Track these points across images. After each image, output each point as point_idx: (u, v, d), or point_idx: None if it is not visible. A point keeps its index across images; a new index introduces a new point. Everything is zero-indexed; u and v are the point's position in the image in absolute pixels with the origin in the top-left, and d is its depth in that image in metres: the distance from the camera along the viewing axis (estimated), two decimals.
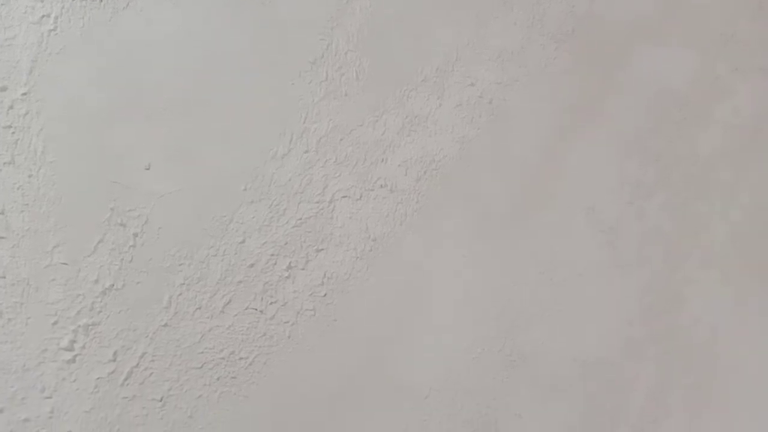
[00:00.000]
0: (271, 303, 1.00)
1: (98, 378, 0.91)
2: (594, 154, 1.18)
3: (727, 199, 1.28)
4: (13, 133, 0.90)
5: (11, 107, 0.90)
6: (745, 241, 1.29)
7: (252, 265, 0.99)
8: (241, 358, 0.97)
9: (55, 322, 0.89)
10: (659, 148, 1.24)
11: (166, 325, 0.94)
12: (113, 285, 0.92)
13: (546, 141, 1.15)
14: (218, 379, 0.96)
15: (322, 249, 1.03)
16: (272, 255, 1.00)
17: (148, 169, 0.95)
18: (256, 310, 0.99)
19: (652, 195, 1.23)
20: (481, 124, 1.12)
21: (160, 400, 0.93)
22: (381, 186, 1.06)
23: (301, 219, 1.02)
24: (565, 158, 1.17)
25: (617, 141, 1.20)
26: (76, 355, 0.90)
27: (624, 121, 1.21)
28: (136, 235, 0.94)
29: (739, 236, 1.28)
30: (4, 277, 0.88)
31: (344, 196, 1.04)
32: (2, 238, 0.88)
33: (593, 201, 1.18)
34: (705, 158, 1.28)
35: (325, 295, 1.03)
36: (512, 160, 1.13)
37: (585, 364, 1.15)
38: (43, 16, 0.92)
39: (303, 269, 1.02)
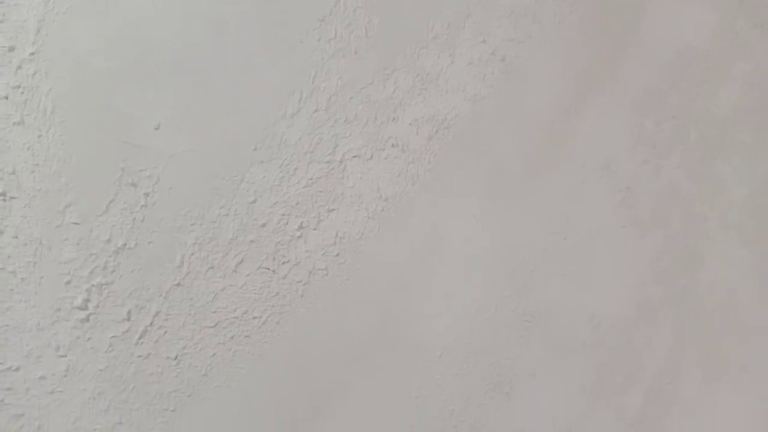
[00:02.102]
0: (284, 263, 0.98)
1: (113, 337, 0.90)
2: (609, 112, 1.14)
3: (746, 159, 1.24)
4: (22, 93, 0.88)
5: (19, 67, 0.88)
6: (764, 203, 1.24)
7: (264, 225, 0.97)
8: (254, 318, 0.96)
9: (69, 282, 0.88)
10: (676, 107, 1.19)
11: (179, 284, 0.93)
12: (126, 244, 0.91)
13: (560, 98, 1.11)
14: (232, 338, 0.95)
15: (334, 209, 1.00)
16: (283, 215, 0.98)
17: (157, 128, 0.92)
18: (268, 269, 0.97)
19: (668, 154, 1.18)
20: (494, 82, 1.08)
21: (175, 359, 0.92)
22: (392, 145, 1.03)
23: (311, 179, 0.99)
24: (580, 116, 1.13)
25: (633, 99, 1.16)
26: (90, 314, 0.89)
27: (640, 78, 1.17)
28: (147, 194, 0.92)
29: (758, 197, 1.24)
30: (17, 237, 0.86)
31: (355, 156, 1.01)
32: (14, 197, 0.87)
33: (608, 160, 1.14)
34: (723, 117, 1.23)
35: (337, 254, 1.00)
36: (525, 119, 1.10)
37: (599, 325, 1.12)
38: None
39: (315, 229, 0.99)
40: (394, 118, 1.03)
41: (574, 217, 1.12)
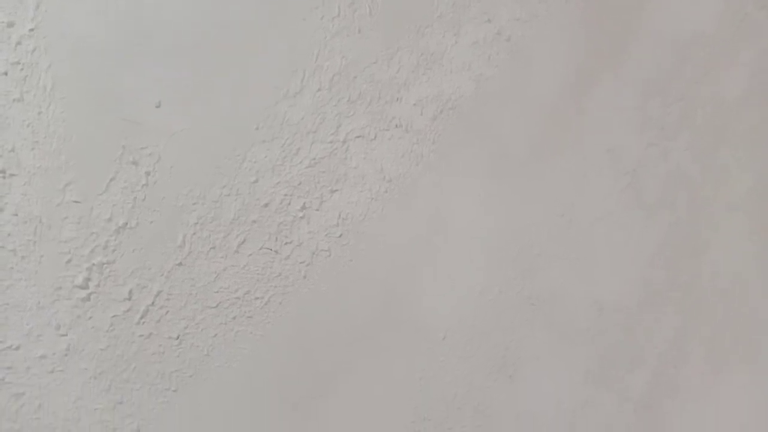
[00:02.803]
0: (286, 243, 0.96)
1: (114, 316, 0.88)
2: (616, 94, 1.12)
3: (754, 143, 1.22)
4: (22, 69, 0.86)
5: (19, 43, 0.86)
6: None
7: (266, 205, 0.95)
8: (256, 298, 0.94)
9: (69, 260, 0.87)
10: (683, 89, 1.17)
11: (180, 264, 0.91)
12: (127, 223, 0.89)
13: (566, 79, 1.09)
14: (234, 318, 0.93)
15: (337, 190, 0.99)
16: (286, 195, 0.96)
17: (158, 106, 0.91)
18: (270, 250, 0.95)
19: (675, 137, 1.16)
20: (499, 62, 1.06)
21: (177, 338, 0.91)
22: (396, 126, 1.01)
23: (314, 159, 0.97)
24: (586, 97, 1.11)
25: (640, 80, 1.14)
26: (90, 293, 0.87)
27: (647, 60, 1.14)
28: (148, 173, 0.90)
29: (764, 182, 1.22)
30: (17, 215, 0.85)
31: (358, 136, 1.00)
32: (13, 175, 0.85)
33: (615, 142, 1.12)
34: (731, 101, 1.21)
35: (340, 235, 0.99)
36: (531, 100, 1.07)
37: (604, 308, 1.11)
38: None
39: (317, 210, 0.98)
40: (398, 98, 1.01)
41: (579, 199, 1.10)
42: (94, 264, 0.87)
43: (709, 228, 1.17)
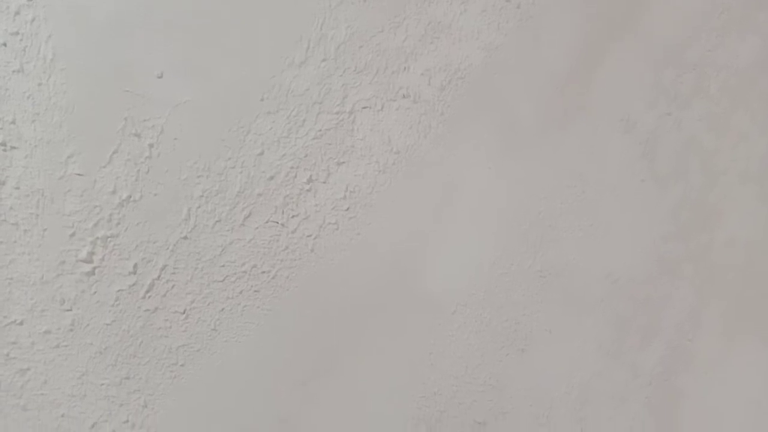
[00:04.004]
0: (293, 216, 0.93)
1: (119, 290, 0.86)
2: (628, 62, 1.08)
3: None
4: (21, 40, 0.83)
5: (17, 13, 0.83)
6: None
7: (271, 178, 0.92)
8: (263, 272, 0.91)
9: (73, 234, 0.84)
10: (697, 57, 1.12)
11: (185, 237, 0.88)
12: (130, 196, 0.86)
13: (578, 48, 1.05)
14: (241, 292, 0.90)
15: (344, 162, 0.95)
16: (292, 168, 0.93)
17: (160, 77, 0.87)
18: (277, 223, 0.92)
19: (689, 106, 1.12)
20: (509, 31, 1.01)
21: (183, 313, 0.88)
22: (403, 96, 0.98)
23: (320, 131, 0.94)
24: (598, 66, 1.06)
25: (653, 48, 1.09)
26: (95, 267, 0.85)
27: (660, 27, 1.10)
28: (151, 145, 0.87)
29: None
30: (18, 188, 0.82)
31: (365, 107, 0.96)
32: (14, 148, 0.82)
33: (627, 112, 1.08)
34: (745, 68, 1.16)
35: (347, 209, 0.95)
36: (542, 69, 1.03)
37: (617, 281, 1.07)
38: None
39: (324, 182, 0.94)
40: (405, 68, 0.97)
41: (591, 170, 1.06)
42: (98, 238, 0.85)
43: (723, 198, 1.13)
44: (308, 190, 0.93)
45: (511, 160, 1.02)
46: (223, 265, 0.90)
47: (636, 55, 1.08)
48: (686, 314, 1.10)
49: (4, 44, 0.82)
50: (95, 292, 0.85)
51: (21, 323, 0.82)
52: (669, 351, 1.09)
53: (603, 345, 1.06)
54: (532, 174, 1.03)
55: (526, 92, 1.03)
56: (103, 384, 0.85)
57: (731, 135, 1.14)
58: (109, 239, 0.85)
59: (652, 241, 1.09)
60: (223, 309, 0.89)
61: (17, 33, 0.83)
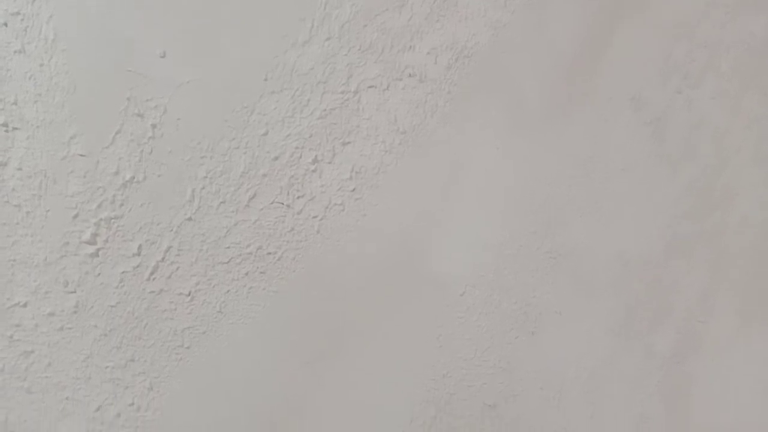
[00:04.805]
0: (298, 197, 0.91)
1: (123, 272, 0.84)
2: (638, 39, 1.05)
3: None
4: (22, 20, 0.81)
5: None
6: None
7: (276, 158, 0.90)
8: (269, 253, 0.89)
9: (76, 215, 0.82)
10: (708, 34, 1.09)
11: (190, 219, 0.86)
12: (134, 177, 0.84)
13: (586, 25, 1.02)
14: (246, 274, 0.88)
15: (349, 142, 0.93)
16: (297, 148, 0.91)
17: (163, 57, 0.85)
18: (282, 204, 0.90)
19: (701, 84, 1.09)
20: (516, 8, 0.99)
21: (188, 295, 0.86)
22: (409, 75, 0.95)
23: (325, 110, 0.92)
24: (607, 44, 1.03)
25: (663, 25, 1.06)
26: (99, 249, 0.83)
27: (670, 4, 1.07)
28: (154, 126, 0.85)
29: None
30: (21, 169, 0.80)
31: (370, 86, 0.94)
32: (16, 128, 0.81)
33: (637, 90, 1.05)
34: (758, 46, 1.13)
35: (353, 189, 0.93)
36: (550, 46, 1.01)
37: (628, 262, 1.04)
38: None
39: (330, 163, 0.92)
40: (410, 47, 0.95)
41: (601, 150, 1.03)
42: (101, 219, 0.83)
43: (735, 178, 1.10)
44: (314, 171, 0.91)
45: (519, 139, 1.00)
46: (228, 247, 0.88)
47: (645, 33, 1.05)
48: (698, 296, 1.07)
49: (5, 24, 0.81)
50: (99, 274, 0.83)
51: (24, 305, 0.80)
52: (680, 334, 1.06)
53: (614, 327, 1.03)
54: (541, 153, 1.01)
55: (534, 71, 1.00)
56: (108, 366, 0.83)
57: (743, 114, 1.11)
58: (112, 221, 0.83)
59: (663, 222, 1.06)
60: (228, 291, 0.87)
61: (18, 13, 0.81)
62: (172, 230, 0.85)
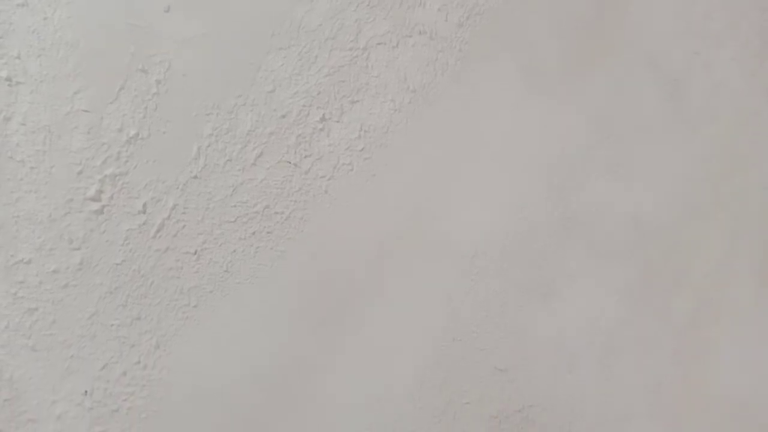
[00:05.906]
0: (306, 156, 0.88)
1: (128, 230, 0.82)
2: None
3: None
4: None
5: None
6: None
7: (283, 116, 0.87)
8: (276, 213, 0.87)
9: (80, 172, 0.80)
10: None
11: (196, 177, 0.84)
12: (138, 134, 0.82)
13: None
14: (253, 233, 0.86)
15: (358, 100, 0.90)
16: (304, 106, 0.88)
17: (167, 11, 0.82)
18: (290, 163, 0.87)
19: (720, 45, 1.04)
20: None
21: (194, 253, 0.84)
22: (419, 32, 0.92)
23: (333, 67, 0.89)
24: (624, 2, 0.99)
25: None
26: (104, 206, 0.81)
27: None
28: (159, 82, 0.82)
29: None
30: (24, 124, 0.78)
31: (379, 43, 0.90)
32: (20, 83, 0.78)
33: (655, 51, 1.01)
34: None
35: (362, 149, 0.90)
36: (566, 5, 0.96)
37: (644, 226, 1.00)
38: None
39: (338, 121, 0.89)
40: (421, 3, 0.91)
41: (617, 112, 0.99)
42: (106, 176, 0.81)
43: (755, 141, 1.06)
44: (321, 130, 0.88)
45: (533, 99, 0.96)
46: (234, 206, 0.85)
47: None
48: (716, 261, 1.03)
49: None
50: (104, 231, 0.81)
51: (29, 262, 0.78)
52: (697, 300, 1.03)
53: (630, 292, 0.99)
54: (556, 114, 0.97)
55: (549, 30, 0.96)
56: (113, 324, 0.81)
57: (764, 76, 1.06)
58: (117, 177, 0.81)
59: (680, 185, 1.02)
60: (235, 250, 0.85)
61: None
62: (177, 188, 0.83)
